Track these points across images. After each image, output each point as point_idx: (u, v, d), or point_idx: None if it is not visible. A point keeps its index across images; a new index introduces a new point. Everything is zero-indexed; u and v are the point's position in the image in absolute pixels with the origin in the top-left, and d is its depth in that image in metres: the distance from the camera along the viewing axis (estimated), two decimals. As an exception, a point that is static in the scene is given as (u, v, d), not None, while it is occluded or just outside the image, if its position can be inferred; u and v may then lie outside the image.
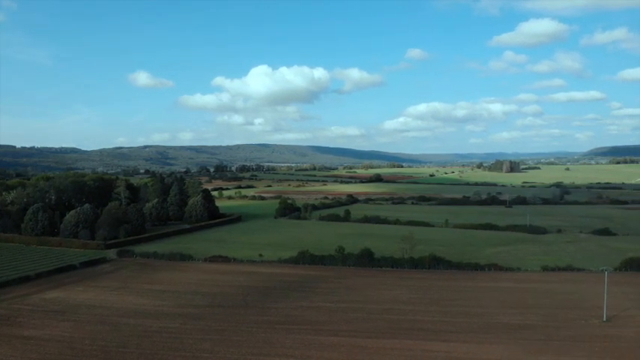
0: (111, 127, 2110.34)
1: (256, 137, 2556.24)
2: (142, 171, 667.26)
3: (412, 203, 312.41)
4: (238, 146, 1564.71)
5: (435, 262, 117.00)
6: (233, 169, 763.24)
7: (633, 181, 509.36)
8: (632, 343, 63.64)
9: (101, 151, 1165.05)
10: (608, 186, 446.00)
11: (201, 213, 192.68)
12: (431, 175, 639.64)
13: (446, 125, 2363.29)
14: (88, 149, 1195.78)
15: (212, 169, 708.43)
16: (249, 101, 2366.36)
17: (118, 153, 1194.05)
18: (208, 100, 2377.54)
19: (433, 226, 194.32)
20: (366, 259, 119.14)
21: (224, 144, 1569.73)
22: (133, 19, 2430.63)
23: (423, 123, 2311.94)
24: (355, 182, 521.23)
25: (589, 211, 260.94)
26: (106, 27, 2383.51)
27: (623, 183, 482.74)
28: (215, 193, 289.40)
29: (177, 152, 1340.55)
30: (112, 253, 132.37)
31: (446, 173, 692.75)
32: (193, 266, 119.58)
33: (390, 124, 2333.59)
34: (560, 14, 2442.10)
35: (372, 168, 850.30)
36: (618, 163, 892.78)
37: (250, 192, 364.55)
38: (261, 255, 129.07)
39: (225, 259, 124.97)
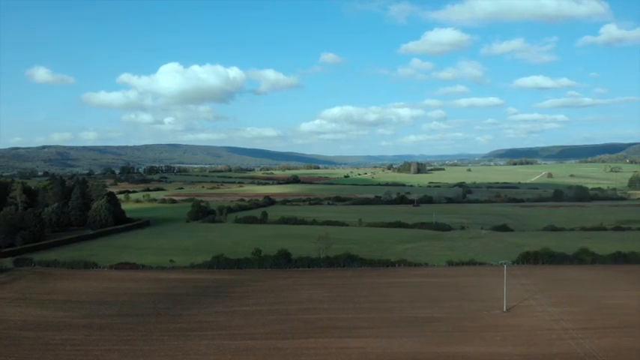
0: (6, 125, 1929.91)
1: (166, 137, 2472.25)
2: (40, 173, 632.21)
3: (328, 203, 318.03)
4: (146, 146, 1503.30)
5: (349, 261, 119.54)
6: (141, 170, 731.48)
7: (528, 181, 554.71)
8: (530, 331, 68.88)
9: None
10: (506, 185, 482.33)
11: (106, 218, 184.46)
12: (345, 177, 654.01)
13: (359, 128, 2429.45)
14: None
15: (118, 171, 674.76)
16: (158, 99, 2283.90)
17: (14, 154, 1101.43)
18: (114, 97, 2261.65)
19: (348, 225, 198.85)
20: (283, 261, 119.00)
21: (131, 144, 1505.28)
22: (30, 12, 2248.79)
23: (338, 126, 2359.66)
24: (272, 183, 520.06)
25: (489, 209, 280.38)
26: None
27: (519, 183, 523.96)
28: (121, 197, 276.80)
29: (80, 153, 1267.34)
30: (7, 262, 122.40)
31: (359, 174, 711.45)
32: (98, 274, 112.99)
33: (306, 126, 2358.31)
34: (463, 25, 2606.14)
35: (289, 169, 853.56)
36: (515, 164, 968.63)
37: (160, 195, 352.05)
38: (172, 261, 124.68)
39: (132, 266, 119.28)
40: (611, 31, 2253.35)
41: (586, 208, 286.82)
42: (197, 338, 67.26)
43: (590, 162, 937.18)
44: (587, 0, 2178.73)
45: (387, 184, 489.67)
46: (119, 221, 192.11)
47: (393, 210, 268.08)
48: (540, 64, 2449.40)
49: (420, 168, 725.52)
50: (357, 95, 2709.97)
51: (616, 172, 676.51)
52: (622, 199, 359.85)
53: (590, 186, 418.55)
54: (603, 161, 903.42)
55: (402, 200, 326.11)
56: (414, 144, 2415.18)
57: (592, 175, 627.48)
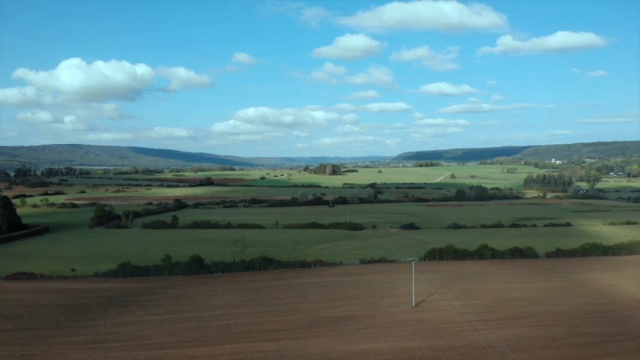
0: None
1: (67, 137, 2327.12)
2: None
3: (244, 206, 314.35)
4: (44, 147, 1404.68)
5: (265, 263, 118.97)
6: (38, 172, 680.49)
7: (433, 182, 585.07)
8: (437, 324, 72.37)
9: None
10: (413, 186, 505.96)
11: (0, 224, 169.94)
12: (262, 178, 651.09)
13: (275, 130, 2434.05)
14: None
15: (12, 174, 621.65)
16: (58, 97, 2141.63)
17: None
18: (9, 94, 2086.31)
19: (264, 227, 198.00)
20: (196, 267, 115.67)
21: (27, 144, 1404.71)
22: None
23: (253, 127, 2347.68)
24: (184, 186, 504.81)
25: (398, 208, 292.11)
26: None
27: (425, 183, 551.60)
28: (17, 201, 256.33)
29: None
30: None
31: (276, 176, 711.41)
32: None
33: (220, 127, 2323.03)
34: (373, 31, 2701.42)
35: (201, 171, 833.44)
36: (421, 166, 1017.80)
37: (60, 199, 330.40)
38: (74, 270, 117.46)
39: (30, 276, 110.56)
40: (507, 42, 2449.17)
41: (486, 206, 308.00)
42: (103, 350, 63.48)
43: (489, 164, 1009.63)
44: (486, 12, 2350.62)
45: (303, 186, 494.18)
46: (15, 228, 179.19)
47: (309, 211, 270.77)
48: (444, 72, 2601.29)
49: (335, 170, 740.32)
50: (272, 97, 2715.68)
51: (512, 173, 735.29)
52: (518, 197, 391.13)
53: (489, 186, 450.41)
54: (501, 163, 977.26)
55: (317, 201, 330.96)
56: (329, 146, 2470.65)
57: (491, 175, 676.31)
